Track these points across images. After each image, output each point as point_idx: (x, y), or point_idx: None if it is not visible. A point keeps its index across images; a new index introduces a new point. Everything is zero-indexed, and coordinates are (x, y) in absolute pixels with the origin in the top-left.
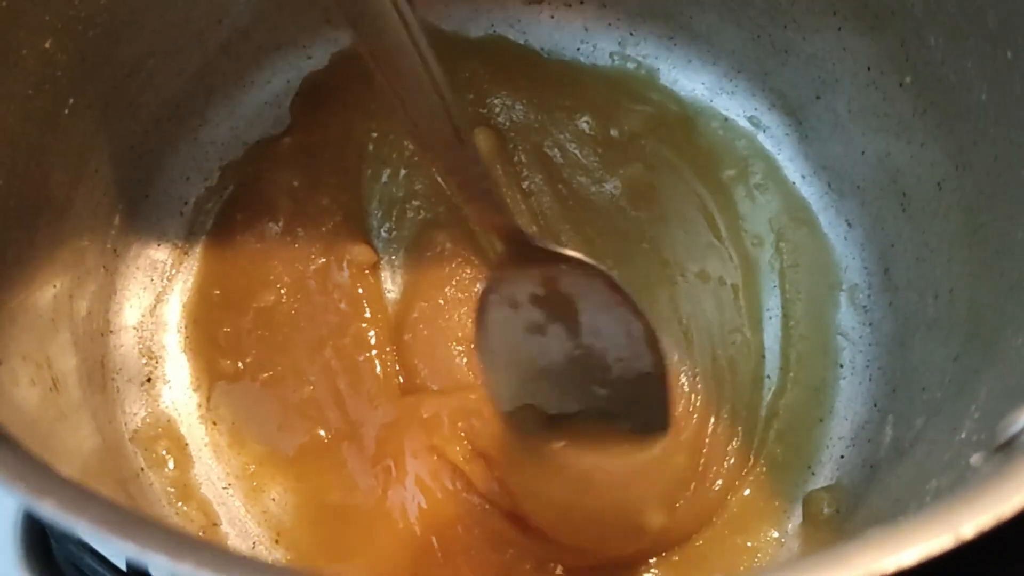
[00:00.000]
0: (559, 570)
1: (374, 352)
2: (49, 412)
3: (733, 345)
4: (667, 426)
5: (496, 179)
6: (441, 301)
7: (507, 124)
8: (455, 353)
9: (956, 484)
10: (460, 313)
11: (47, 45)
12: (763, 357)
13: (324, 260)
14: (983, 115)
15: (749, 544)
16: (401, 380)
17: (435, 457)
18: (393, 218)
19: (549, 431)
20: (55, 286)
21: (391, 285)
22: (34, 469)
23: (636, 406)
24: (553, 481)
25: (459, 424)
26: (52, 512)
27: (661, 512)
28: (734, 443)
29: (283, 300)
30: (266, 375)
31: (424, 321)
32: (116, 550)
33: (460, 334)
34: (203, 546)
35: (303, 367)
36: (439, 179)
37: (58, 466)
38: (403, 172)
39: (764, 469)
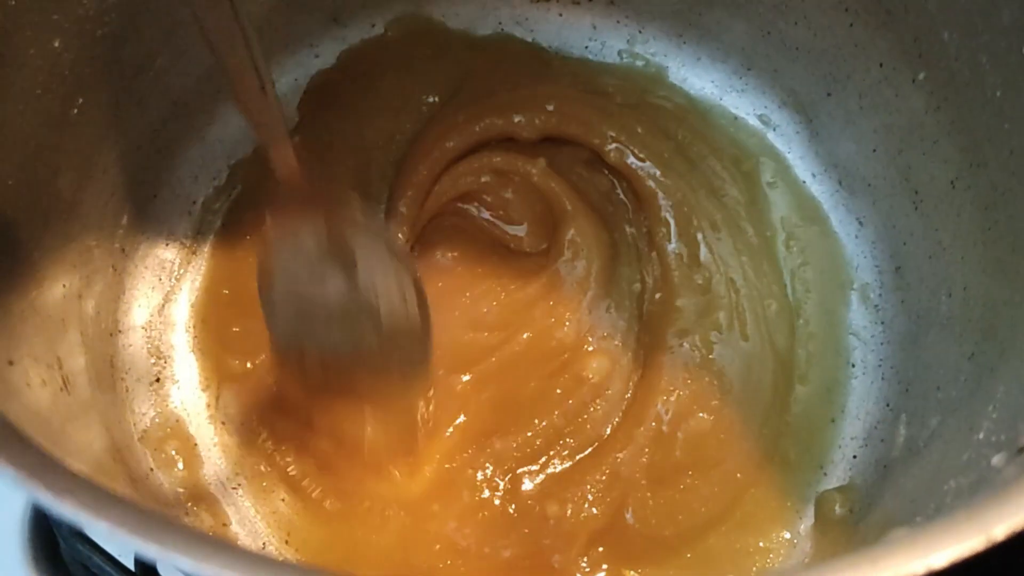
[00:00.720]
0: (556, 563)
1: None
2: (60, 412)
3: None
4: (426, 380)
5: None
6: (447, 290)
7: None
8: (465, 339)
9: (978, 485)
10: (468, 302)
11: (56, 44)
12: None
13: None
14: (998, 111)
15: (761, 544)
16: None
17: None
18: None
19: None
20: (64, 286)
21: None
22: (52, 469)
23: (401, 358)
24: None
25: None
26: (72, 512)
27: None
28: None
29: None
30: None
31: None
32: (137, 551)
33: (470, 320)
34: (226, 548)
35: None
36: (248, 125)
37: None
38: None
39: (776, 469)
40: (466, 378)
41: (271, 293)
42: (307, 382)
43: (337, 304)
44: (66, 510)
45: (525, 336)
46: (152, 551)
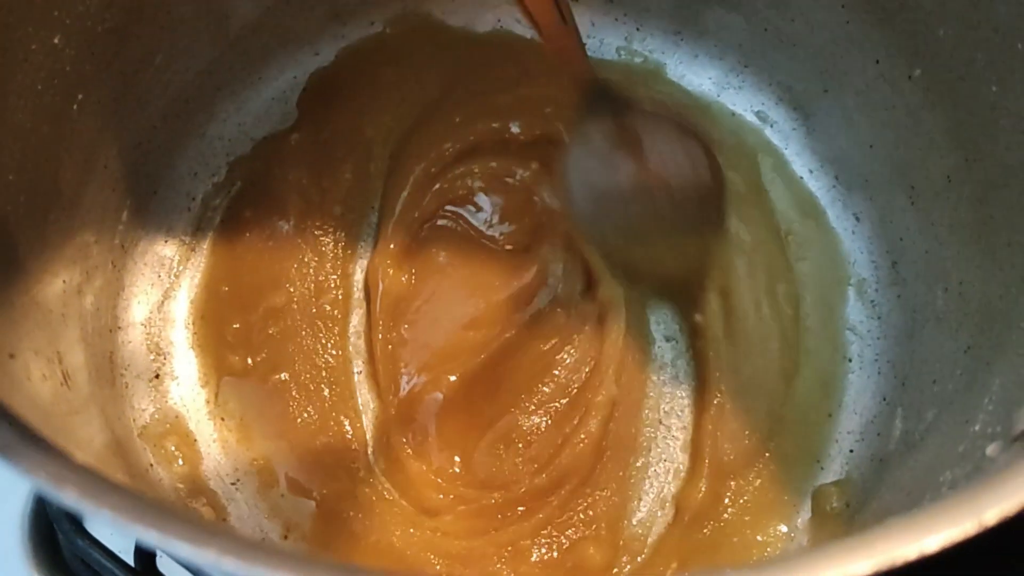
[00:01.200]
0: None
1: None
2: (61, 407)
3: None
4: (723, 224)
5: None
6: (443, 290)
7: None
8: (454, 340)
9: (973, 475)
10: (460, 302)
11: (56, 41)
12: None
13: (335, 259)
14: (993, 107)
15: (758, 538)
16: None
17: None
18: (400, 214)
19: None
20: (64, 281)
21: (404, 280)
22: (54, 458)
23: (696, 218)
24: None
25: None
26: (74, 500)
27: None
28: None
29: (294, 300)
30: (277, 377)
31: (424, 311)
32: (138, 537)
33: (460, 321)
34: (224, 534)
35: (314, 369)
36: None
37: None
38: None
39: (773, 463)
40: (453, 378)
41: (573, 193)
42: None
43: (630, 187)
44: (68, 499)
45: (512, 334)
46: (152, 538)
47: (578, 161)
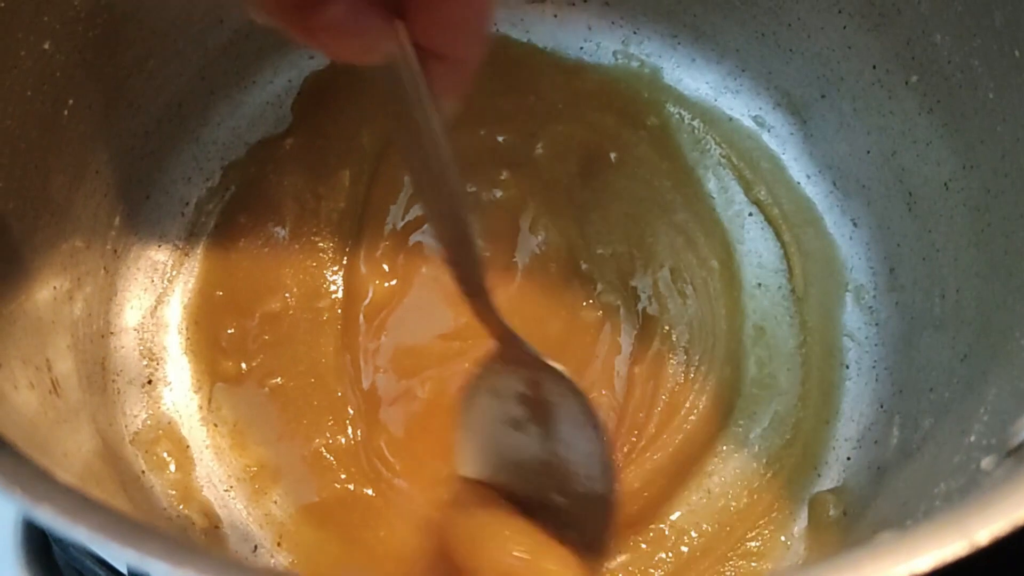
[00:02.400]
0: None
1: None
2: (48, 415)
3: None
4: (603, 552)
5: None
6: (424, 300)
7: None
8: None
9: (967, 488)
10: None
11: (46, 46)
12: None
13: (331, 264)
14: (990, 113)
15: (754, 546)
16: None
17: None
18: (397, 221)
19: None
20: (55, 287)
21: (387, 288)
22: (32, 474)
23: (583, 524)
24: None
25: None
26: (50, 519)
27: None
28: (739, 443)
29: (290, 307)
30: (272, 381)
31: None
32: (116, 557)
33: (440, 331)
34: (203, 553)
35: (309, 377)
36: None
37: (57, 470)
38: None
39: (769, 471)
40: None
41: (467, 429)
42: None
43: (530, 455)
44: (44, 517)
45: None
46: (129, 557)
47: (481, 407)
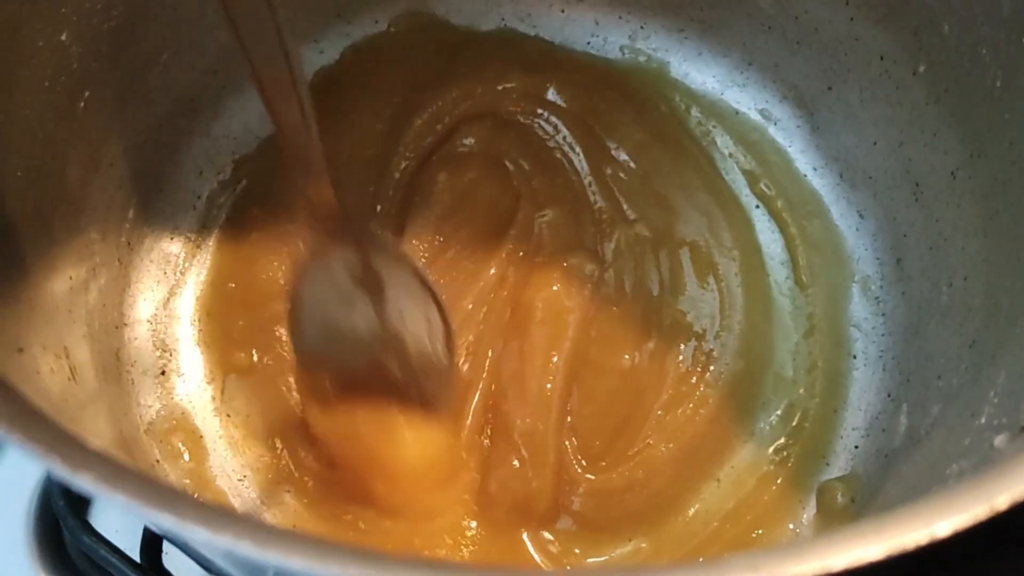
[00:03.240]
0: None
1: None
2: (70, 401)
3: None
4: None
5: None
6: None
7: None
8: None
9: (980, 465)
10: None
11: (63, 38)
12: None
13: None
14: (998, 102)
15: (763, 534)
16: None
17: None
18: (405, 214)
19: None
20: (71, 277)
21: None
22: (69, 443)
23: (425, 389)
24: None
25: None
26: (91, 485)
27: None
28: (748, 433)
29: None
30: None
31: None
32: (153, 522)
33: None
34: (240, 519)
35: None
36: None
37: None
38: (413, 167)
39: (777, 460)
40: None
41: (300, 316)
42: (333, 407)
43: (364, 332)
44: (83, 483)
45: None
46: (168, 522)
47: (315, 289)
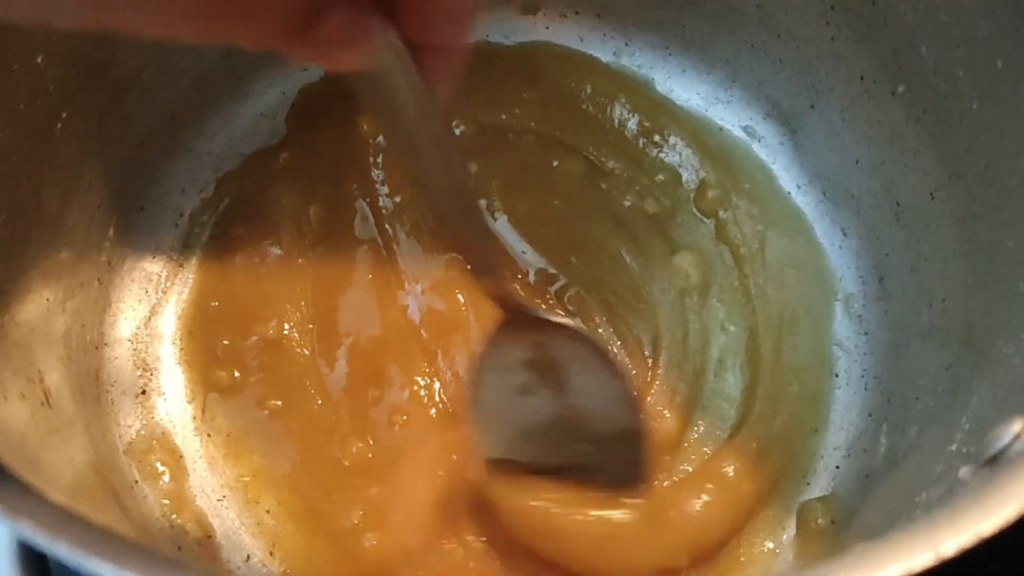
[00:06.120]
0: None
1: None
2: (39, 427)
3: None
4: (643, 480)
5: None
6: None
7: None
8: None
9: (947, 497)
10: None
11: (39, 60)
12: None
13: (327, 285)
14: (975, 124)
15: (742, 554)
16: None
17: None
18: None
19: (530, 483)
20: (47, 299)
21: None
22: (14, 489)
23: (616, 462)
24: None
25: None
26: (30, 533)
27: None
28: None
29: (286, 326)
30: (272, 403)
31: None
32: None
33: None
34: (183, 568)
35: (306, 394)
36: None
37: (47, 482)
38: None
39: (760, 477)
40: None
41: (481, 414)
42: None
43: (547, 414)
44: (24, 531)
45: None
46: (107, 572)
47: (490, 384)
